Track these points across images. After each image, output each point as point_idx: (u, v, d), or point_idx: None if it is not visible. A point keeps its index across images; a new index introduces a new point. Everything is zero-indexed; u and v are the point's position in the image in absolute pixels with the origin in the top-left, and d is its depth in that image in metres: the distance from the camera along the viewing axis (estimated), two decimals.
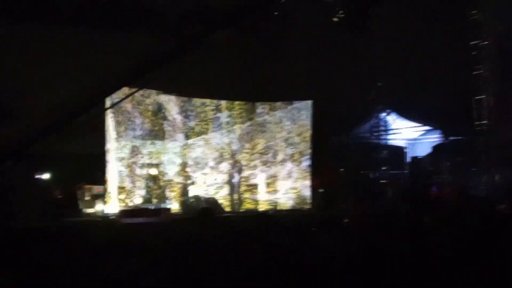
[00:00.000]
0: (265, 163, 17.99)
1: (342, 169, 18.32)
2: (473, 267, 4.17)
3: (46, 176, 15.40)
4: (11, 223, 12.54)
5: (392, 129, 20.22)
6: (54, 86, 16.36)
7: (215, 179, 17.23)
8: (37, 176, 15.08)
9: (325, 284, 4.15)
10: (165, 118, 16.74)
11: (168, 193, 16.35)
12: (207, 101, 17.59)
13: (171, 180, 16.53)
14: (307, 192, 18.02)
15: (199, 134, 17.33)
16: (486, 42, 16.45)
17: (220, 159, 17.48)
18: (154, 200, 15.88)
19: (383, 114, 19.98)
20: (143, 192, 15.89)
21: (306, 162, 18.19)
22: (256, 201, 17.43)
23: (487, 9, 16.30)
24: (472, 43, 16.65)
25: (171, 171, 16.65)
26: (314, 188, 18.09)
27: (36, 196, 14.66)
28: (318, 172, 18.37)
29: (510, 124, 16.07)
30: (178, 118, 17.02)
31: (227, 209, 16.59)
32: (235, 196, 16.98)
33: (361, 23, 12.33)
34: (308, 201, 17.89)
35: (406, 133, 20.59)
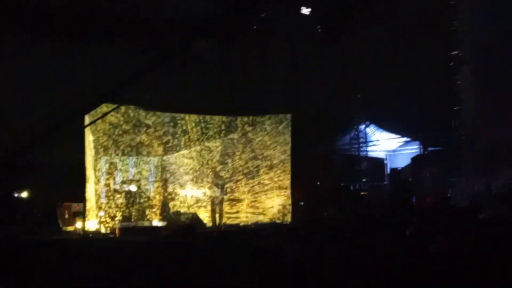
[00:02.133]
0: (246, 176, 17.94)
1: (321, 182, 18.33)
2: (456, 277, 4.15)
3: (24, 192, 15.23)
4: None
5: (371, 141, 20.33)
6: (34, 101, 16.22)
7: (195, 194, 17.13)
8: (15, 192, 14.92)
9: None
10: (144, 133, 16.63)
11: (148, 210, 16.21)
12: (187, 115, 17.52)
13: (151, 196, 16.40)
14: (288, 205, 17.97)
15: (179, 149, 17.25)
16: (464, 53, 16.60)
17: (201, 174, 17.39)
18: (134, 217, 15.73)
19: (363, 126, 20.09)
20: (122, 209, 15.73)
21: (286, 175, 18.15)
22: (237, 216, 17.35)
23: (465, 20, 16.46)
24: (451, 53, 16.78)
25: (151, 187, 16.54)
26: (294, 200, 18.07)
27: (15, 212, 14.52)
28: (298, 185, 18.36)
29: (489, 134, 16.21)
30: (158, 133, 16.92)
31: (209, 224, 16.47)
32: (217, 211, 16.85)
33: (338, 36, 12.42)
34: (289, 213, 17.83)
35: (385, 145, 20.71)
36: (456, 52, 16.66)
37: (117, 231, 13.83)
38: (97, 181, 15.51)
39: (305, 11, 13.13)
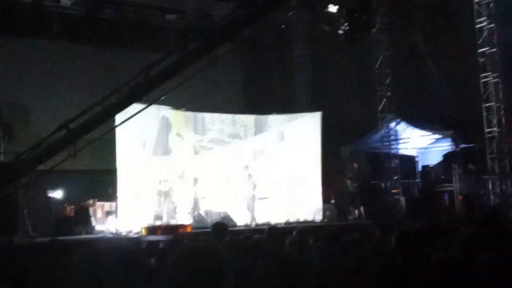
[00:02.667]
0: (277, 175, 17.98)
1: (351, 180, 18.28)
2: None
3: (58, 192, 15.49)
4: (24, 240, 12.67)
5: (402, 138, 20.18)
6: (64, 102, 16.56)
7: (226, 193, 17.22)
8: (49, 193, 15.17)
9: None
10: (175, 133, 16.79)
11: (180, 209, 16.33)
12: (217, 114, 17.64)
13: (182, 195, 16.51)
14: (319, 204, 17.97)
15: (210, 148, 17.38)
16: (494, 49, 16.44)
17: (232, 172, 17.50)
18: (166, 216, 15.86)
19: (393, 123, 19.96)
20: (154, 208, 15.88)
21: (317, 174, 18.15)
22: (269, 214, 17.37)
23: (494, 16, 16.30)
24: (480, 50, 16.64)
25: (183, 186, 16.65)
26: (325, 199, 18.08)
27: (49, 213, 14.80)
28: (329, 183, 18.37)
29: None
30: (188, 132, 17.07)
31: (240, 223, 16.54)
32: (249, 210, 16.93)
33: (364, 34, 12.41)
34: (320, 212, 17.83)
35: (416, 142, 20.54)
36: (487, 48, 16.50)
37: (143, 231, 13.94)
38: (129, 181, 15.67)
39: (332, 8, 13.10)
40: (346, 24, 10.88)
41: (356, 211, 17.80)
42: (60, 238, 12.13)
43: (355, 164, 18.77)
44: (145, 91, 7.36)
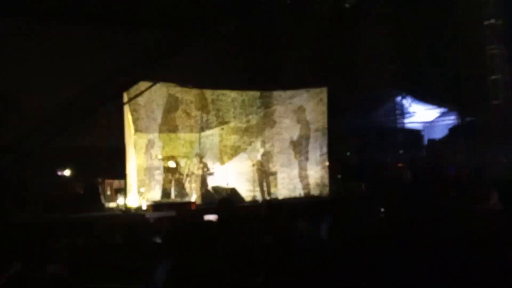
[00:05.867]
0: (283, 151, 18.06)
1: (357, 154, 18.36)
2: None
3: (67, 170, 15.64)
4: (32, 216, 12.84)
5: (407, 112, 20.23)
6: (69, 82, 16.61)
7: (233, 169, 17.33)
8: (58, 170, 15.33)
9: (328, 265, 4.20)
10: (182, 110, 16.86)
11: (187, 185, 16.47)
12: (222, 91, 17.67)
13: (190, 172, 16.64)
14: (326, 178, 18.07)
15: (216, 125, 17.44)
16: (500, 22, 16.37)
17: (238, 149, 17.58)
18: (174, 193, 16.01)
19: (399, 98, 19.98)
20: (163, 185, 16.03)
21: (323, 149, 18.22)
22: (275, 189, 17.50)
23: None
24: (486, 22, 16.57)
25: (190, 163, 16.76)
26: (331, 174, 18.16)
27: (57, 190, 14.96)
28: (335, 158, 18.43)
29: None
30: (195, 109, 17.12)
31: (248, 199, 16.69)
32: (255, 186, 17.06)
33: (371, 8, 12.40)
34: (327, 187, 17.94)
35: (422, 116, 20.58)
36: (492, 21, 16.44)
37: (150, 208, 14.13)
38: (137, 158, 15.81)
39: None
40: None
41: (363, 185, 17.88)
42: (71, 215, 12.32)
43: (354, 139, 18.82)
44: (150, 70, 7.45)
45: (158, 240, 5.63)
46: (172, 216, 11.62)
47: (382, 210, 7.86)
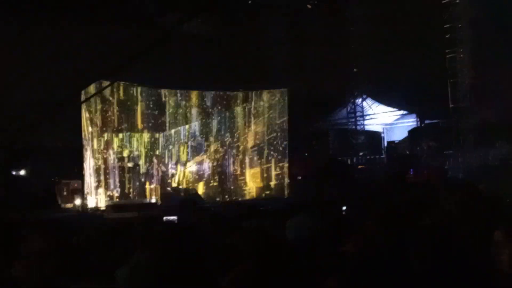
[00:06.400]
0: (243, 152, 17.99)
1: (318, 156, 18.35)
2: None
3: (22, 170, 15.24)
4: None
5: (368, 114, 20.34)
6: (29, 81, 16.15)
7: (193, 170, 17.18)
8: (13, 171, 14.92)
9: (300, 266, 4.15)
10: (140, 110, 16.64)
11: (146, 186, 16.27)
12: (182, 91, 17.50)
13: (149, 173, 16.44)
14: (286, 180, 18.05)
15: (176, 125, 17.26)
16: (460, 25, 16.55)
17: (198, 149, 17.44)
18: (132, 194, 15.79)
19: (359, 100, 20.09)
20: (120, 185, 15.79)
21: (284, 150, 18.20)
22: (235, 191, 17.42)
23: None
24: (446, 26, 16.73)
25: (149, 163, 16.57)
26: (292, 175, 18.14)
27: (13, 190, 14.52)
28: (296, 160, 18.41)
29: (486, 105, 16.21)
30: (154, 109, 16.92)
31: (208, 200, 16.56)
32: (215, 187, 16.95)
33: (335, 9, 12.37)
34: (287, 188, 17.92)
35: (382, 118, 20.73)
36: (452, 24, 16.62)
37: (108, 209, 13.86)
38: (94, 158, 15.53)
39: None
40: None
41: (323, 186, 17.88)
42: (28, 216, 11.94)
43: (315, 141, 18.87)
44: (115, 70, 7.24)
45: (118, 241, 5.44)
46: (134, 216, 11.39)
47: (343, 209, 7.85)
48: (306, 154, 18.83)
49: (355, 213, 6.80)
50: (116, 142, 16.12)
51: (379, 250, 4.08)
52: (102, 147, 15.80)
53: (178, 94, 17.46)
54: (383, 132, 21.26)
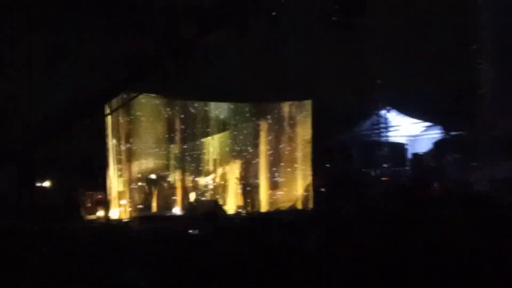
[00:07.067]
0: (267, 163, 17.92)
1: (341, 168, 18.26)
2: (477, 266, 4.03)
3: (46, 181, 15.37)
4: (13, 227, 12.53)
5: (392, 126, 20.19)
6: (52, 92, 16.30)
7: (215, 182, 17.16)
8: (37, 182, 15.05)
9: (318, 278, 4.12)
10: (165, 121, 16.68)
11: (169, 198, 16.28)
12: (206, 103, 17.52)
13: (172, 185, 16.47)
14: (310, 192, 17.93)
15: (200, 136, 17.28)
16: (485, 38, 16.40)
17: (223, 161, 17.43)
18: (155, 206, 15.82)
19: (383, 112, 19.95)
20: (144, 197, 15.83)
21: (307, 162, 18.10)
22: (259, 202, 17.33)
23: (487, 4, 16.26)
24: (471, 38, 16.59)
25: (172, 175, 16.60)
26: (315, 187, 18.03)
27: (37, 201, 14.65)
28: (319, 172, 18.31)
29: (507, 121, 16.04)
30: (178, 121, 16.95)
31: (230, 211, 16.52)
32: (238, 198, 16.91)
33: (356, 20, 12.27)
34: (311, 200, 17.80)
35: (406, 130, 20.56)
36: (478, 36, 16.46)
37: (133, 220, 13.92)
38: (118, 170, 15.60)
39: None
40: (338, 9, 10.76)
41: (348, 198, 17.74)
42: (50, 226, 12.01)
43: (337, 153, 18.77)
44: (135, 81, 7.26)
45: (144, 253, 5.47)
46: (159, 228, 11.43)
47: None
48: (327, 165, 18.74)
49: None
50: (140, 154, 16.18)
51: None
52: (126, 158, 15.85)
53: (204, 106, 17.49)
54: (408, 144, 21.08)
